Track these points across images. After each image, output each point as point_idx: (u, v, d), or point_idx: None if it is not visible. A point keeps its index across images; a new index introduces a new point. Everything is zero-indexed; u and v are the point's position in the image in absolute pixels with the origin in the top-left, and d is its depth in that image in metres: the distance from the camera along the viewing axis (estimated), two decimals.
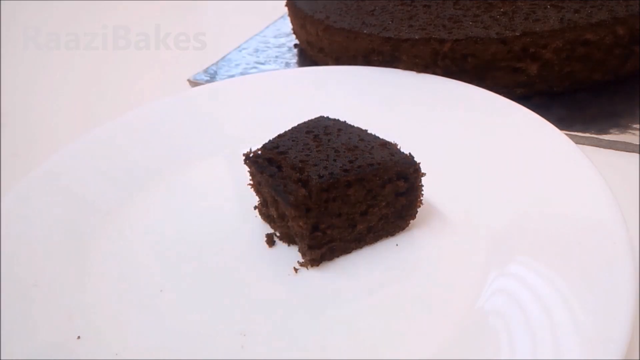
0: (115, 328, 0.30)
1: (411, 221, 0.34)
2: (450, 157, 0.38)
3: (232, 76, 0.58)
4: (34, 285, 0.32)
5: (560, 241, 0.29)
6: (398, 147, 0.34)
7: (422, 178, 0.33)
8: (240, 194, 0.38)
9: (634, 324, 0.23)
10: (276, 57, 0.62)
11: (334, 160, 0.32)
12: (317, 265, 0.33)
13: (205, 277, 0.33)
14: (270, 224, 0.36)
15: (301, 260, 0.33)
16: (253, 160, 0.34)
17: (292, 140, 0.34)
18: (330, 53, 0.53)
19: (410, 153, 0.33)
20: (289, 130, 0.36)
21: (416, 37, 0.45)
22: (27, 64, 0.73)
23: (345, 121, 0.37)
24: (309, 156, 0.32)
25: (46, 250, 0.35)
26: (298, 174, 0.31)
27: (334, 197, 0.31)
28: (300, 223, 0.31)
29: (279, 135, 0.35)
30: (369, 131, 0.35)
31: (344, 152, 0.32)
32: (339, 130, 0.35)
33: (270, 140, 0.35)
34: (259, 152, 0.34)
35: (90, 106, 0.59)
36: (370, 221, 0.33)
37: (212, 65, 0.62)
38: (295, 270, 0.33)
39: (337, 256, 0.33)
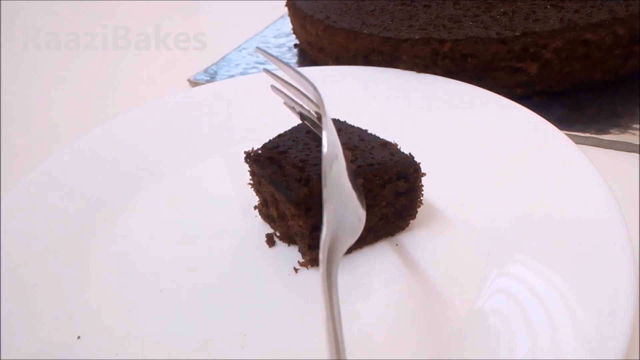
0: (115, 328, 0.30)
1: (411, 221, 0.34)
2: (450, 157, 0.38)
3: (232, 76, 0.58)
4: (34, 285, 0.32)
5: (560, 241, 0.29)
6: (398, 147, 0.34)
7: (422, 178, 0.33)
8: (240, 194, 0.38)
9: (634, 324, 0.23)
10: (276, 57, 0.62)
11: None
12: (317, 265, 0.33)
13: (205, 276, 0.33)
14: (270, 224, 0.36)
15: (301, 260, 0.33)
16: (254, 158, 0.34)
17: (292, 140, 0.34)
18: (330, 53, 0.53)
19: (410, 153, 0.33)
20: (289, 130, 0.36)
21: (416, 37, 0.45)
22: (27, 64, 0.73)
23: (345, 121, 0.37)
24: (309, 156, 0.32)
25: (46, 250, 0.35)
26: (299, 173, 0.31)
27: None
28: (300, 222, 0.31)
29: (279, 135, 0.35)
30: (369, 131, 0.35)
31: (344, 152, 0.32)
32: (339, 130, 0.35)
33: (270, 140, 0.35)
34: (259, 151, 0.34)
35: (90, 106, 0.59)
36: (370, 221, 0.33)
37: (212, 65, 0.62)
38: (295, 270, 0.33)
39: None
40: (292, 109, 0.33)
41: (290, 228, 0.33)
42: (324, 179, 0.24)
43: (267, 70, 0.34)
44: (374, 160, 0.32)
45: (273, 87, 0.34)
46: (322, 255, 0.21)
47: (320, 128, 0.30)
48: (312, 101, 0.30)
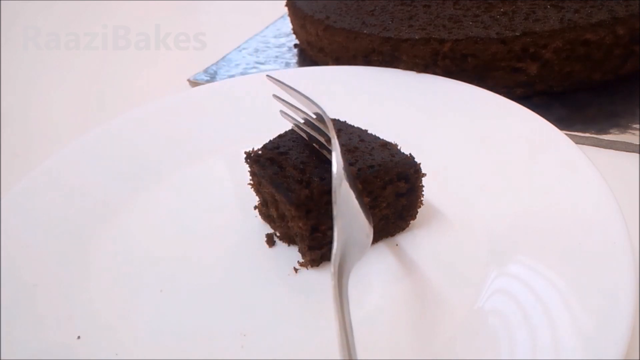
0: (115, 328, 0.30)
1: (411, 221, 0.34)
2: (450, 157, 0.38)
3: (232, 76, 0.58)
4: (35, 285, 0.32)
5: (560, 241, 0.29)
6: (398, 147, 0.33)
7: (423, 178, 0.33)
8: (240, 194, 0.38)
9: (634, 324, 0.23)
10: (276, 57, 0.62)
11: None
12: (317, 265, 0.33)
13: (205, 277, 0.33)
14: (270, 224, 0.36)
15: (301, 260, 0.33)
16: (254, 159, 0.34)
17: (293, 141, 0.34)
18: (330, 53, 0.53)
19: (410, 154, 0.33)
20: (289, 130, 0.36)
21: (416, 37, 0.45)
22: (27, 64, 0.73)
23: (345, 121, 0.37)
24: (311, 157, 0.32)
25: (46, 250, 0.35)
26: (300, 175, 0.31)
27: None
28: (300, 224, 0.31)
29: (279, 136, 0.35)
30: (369, 131, 0.35)
31: (345, 153, 0.32)
32: (339, 130, 0.35)
33: (270, 141, 0.35)
34: (260, 151, 0.34)
35: (90, 106, 0.59)
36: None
37: (212, 65, 0.62)
38: (295, 270, 0.33)
39: None
40: (302, 131, 0.34)
41: (290, 229, 0.33)
42: (334, 196, 0.26)
43: (276, 96, 0.36)
44: (374, 162, 0.31)
45: (282, 112, 0.36)
46: (334, 269, 0.23)
47: (327, 149, 0.32)
48: (321, 123, 0.32)
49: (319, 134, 0.32)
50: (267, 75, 0.36)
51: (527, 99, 0.45)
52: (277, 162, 0.33)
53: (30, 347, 0.29)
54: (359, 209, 0.27)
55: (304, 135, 0.34)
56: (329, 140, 0.31)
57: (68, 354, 0.29)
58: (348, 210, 0.26)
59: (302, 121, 0.35)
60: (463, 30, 0.44)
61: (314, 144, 0.33)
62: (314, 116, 0.33)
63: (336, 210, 0.26)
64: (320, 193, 0.30)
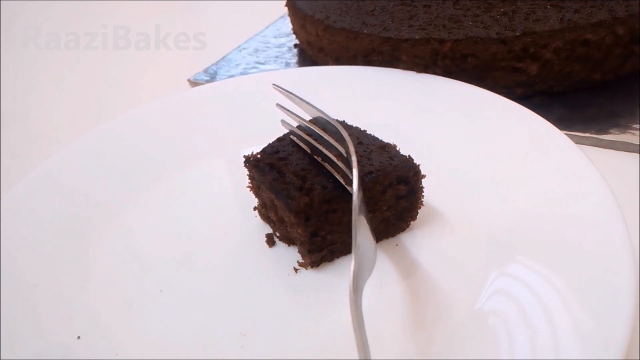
0: (115, 328, 0.30)
1: (411, 222, 0.34)
2: (450, 157, 0.38)
3: (232, 76, 0.58)
4: (35, 285, 0.32)
5: (560, 241, 0.29)
6: (397, 148, 0.33)
7: (422, 180, 0.33)
8: (240, 194, 0.38)
9: (634, 324, 0.23)
10: (276, 57, 0.62)
11: (335, 170, 0.31)
12: (317, 266, 0.33)
13: (205, 277, 0.33)
14: (269, 225, 0.36)
15: (301, 260, 0.33)
16: (254, 164, 0.34)
17: (292, 146, 0.34)
18: (330, 53, 0.53)
19: (409, 155, 0.33)
20: (288, 133, 0.36)
21: (416, 37, 0.45)
22: (27, 64, 0.73)
23: (344, 121, 0.37)
24: (311, 164, 0.32)
25: (46, 250, 0.35)
26: (301, 182, 0.31)
27: (334, 208, 0.31)
28: (299, 231, 0.31)
29: (279, 139, 0.35)
30: (368, 131, 0.35)
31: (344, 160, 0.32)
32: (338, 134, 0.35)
33: (269, 144, 0.35)
34: (259, 156, 0.34)
35: (90, 106, 0.59)
36: (371, 225, 0.33)
37: (212, 65, 0.62)
38: (295, 270, 0.33)
39: (337, 257, 0.33)
40: (302, 141, 0.34)
41: (290, 232, 0.33)
42: (354, 213, 0.27)
43: (279, 105, 0.36)
44: (373, 167, 0.31)
45: (283, 121, 0.36)
46: (353, 285, 0.24)
47: (330, 161, 0.32)
48: (337, 140, 0.31)
49: (327, 148, 0.32)
50: (274, 85, 0.36)
51: (527, 99, 0.45)
52: (276, 167, 0.33)
53: (30, 347, 0.29)
54: (369, 232, 0.28)
55: (306, 148, 0.34)
56: (338, 155, 0.31)
57: (68, 354, 0.29)
58: (363, 227, 0.27)
59: (305, 132, 0.34)
60: (463, 30, 0.44)
61: (315, 156, 0.33)
62: (320, 126, 0.33)
63: (355, 228, 0.27)
64: (321, 202, 0.30)
